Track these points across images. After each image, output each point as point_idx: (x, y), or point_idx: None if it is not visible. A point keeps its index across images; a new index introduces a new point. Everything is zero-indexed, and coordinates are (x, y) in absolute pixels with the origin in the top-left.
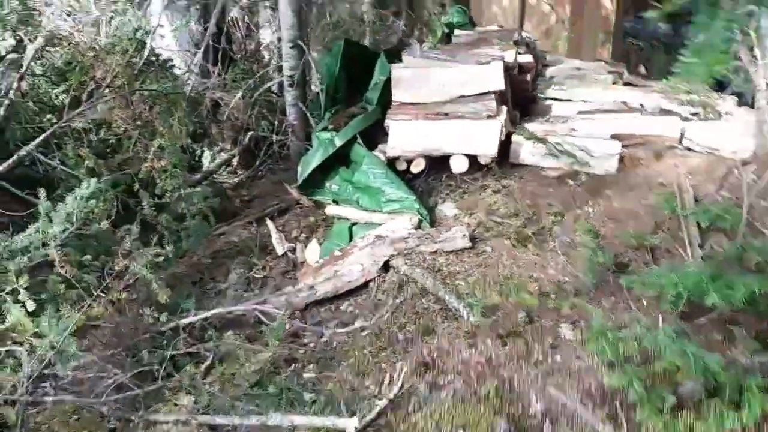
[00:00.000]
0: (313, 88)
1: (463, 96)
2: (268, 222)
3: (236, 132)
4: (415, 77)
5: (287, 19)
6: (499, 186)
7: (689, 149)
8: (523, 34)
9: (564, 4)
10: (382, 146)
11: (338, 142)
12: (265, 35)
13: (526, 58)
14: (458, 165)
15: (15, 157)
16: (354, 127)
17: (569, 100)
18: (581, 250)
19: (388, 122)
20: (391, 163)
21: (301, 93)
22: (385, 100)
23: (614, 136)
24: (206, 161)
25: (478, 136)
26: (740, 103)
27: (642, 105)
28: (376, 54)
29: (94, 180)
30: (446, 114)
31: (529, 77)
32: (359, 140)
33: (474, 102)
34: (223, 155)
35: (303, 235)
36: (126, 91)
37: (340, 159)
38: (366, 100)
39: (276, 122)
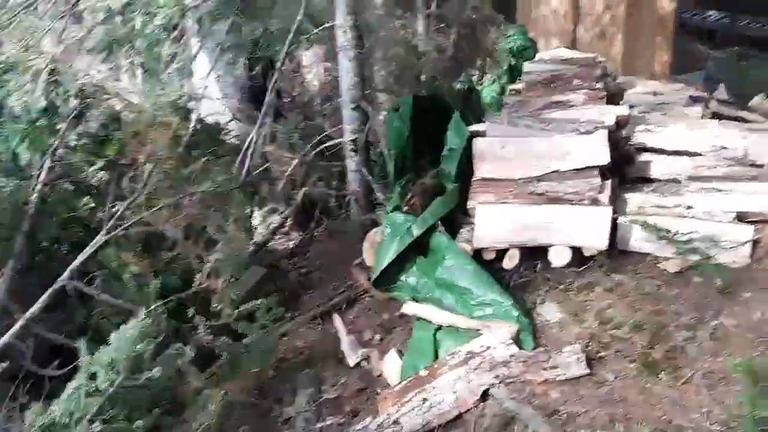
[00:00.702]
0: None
1: (560, 171)
2: (336, 320)
3: (290, 189)
4: (503, 149)
5: (348, 78)
6: (609, 283)
7: None
8: (599, 59)
9: (619, 4)
10: (466, 232)
11: (416, 232)
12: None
13: (622, 112)
14: (559, 257)
15: (50, 291)
16: (433, 213)
17: (663, 151)
18: (728, 385)
19: (472, 204)
20: (478, 252)
21: (364, 158)
22: (464, 171)
23: (741, 215)
24: (257, 223)
25: (584, 225)
26: None
27: (746, 151)
28: (448, 108)
29: (142, 315)
30: (541, 194)
31: (624, 132)
32: (440, 227)
33: (574, 179)
34: (276, 217)
35: (377, 336)
36: (173, 183)
37: (417, 245)
38: (441, 174)
39: (334, 181)
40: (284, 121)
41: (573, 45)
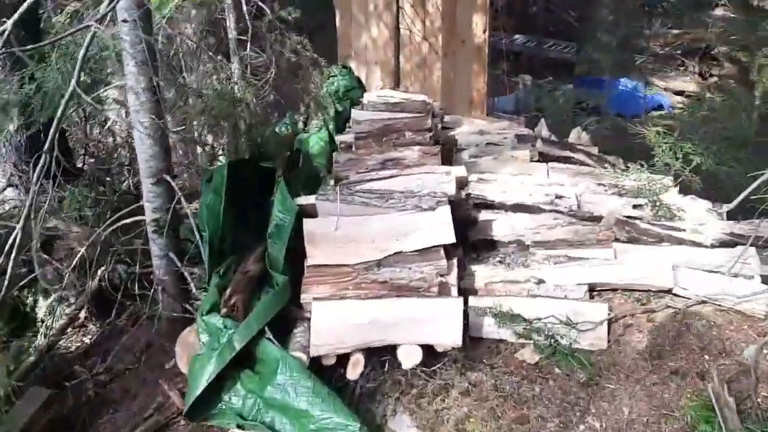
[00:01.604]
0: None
1: (402, 253)
2: None
3: (83, 272)
4: (336, 232)
5: (146, 148)
6: (466, 383)
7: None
8: (427, 100)
9: (436, 33)
10: (300, 333)
11: (238, 345)
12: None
13: (460, 173)
14: (409, 358)
15: None
16: (260, 318)
17: (503, 206)
18: None
19: (306, 298)
20: (316, 358)
21: (172, 241)
22: (294, 249)
23: (592, 286)
24: (42, 314)
25: (435, 320)
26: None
27: (580, 200)
28: (271, 172)
29: None
30: (384, 282)
31: (464, 194)
32: (268, 333)
33: (418, 262)
34: (65, 309)
35: None
36: None
37: (240, 355)
38: (269, 258)
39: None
40: (74, 189)
41: (396, 75)
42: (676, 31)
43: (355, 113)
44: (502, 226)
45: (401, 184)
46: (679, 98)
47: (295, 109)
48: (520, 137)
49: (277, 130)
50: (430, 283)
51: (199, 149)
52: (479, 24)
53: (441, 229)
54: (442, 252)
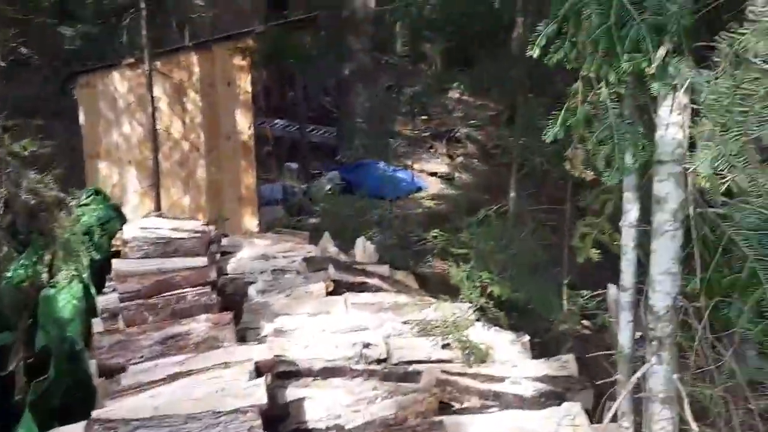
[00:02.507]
0: None
1: None
2: None
3: None
4: None
5: None
6: None
7: None
8: (200, 226)
9: (197, 130)
10: None
11: None
12: None
13: (263, 355)
14: None
15: None
16: None
17: (310, 374)
18: None
19: None
20: None
21: None
22: None
23: None
24: None
25: None
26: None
27: (390, 351)
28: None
29: None
30: None
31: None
32: None
33: None
34: None
35: None
36: None
37: None
38: None
39: None
40: None
41: (155, 175)
42: (423, 117)
43: (117, 264)
44: (317, 408)
45: (195, 394)
46: (433, 179)
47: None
48: (309, 261)
49: (11, 273)
50: None
51: None
52: (244, 119)
53: None
54: None
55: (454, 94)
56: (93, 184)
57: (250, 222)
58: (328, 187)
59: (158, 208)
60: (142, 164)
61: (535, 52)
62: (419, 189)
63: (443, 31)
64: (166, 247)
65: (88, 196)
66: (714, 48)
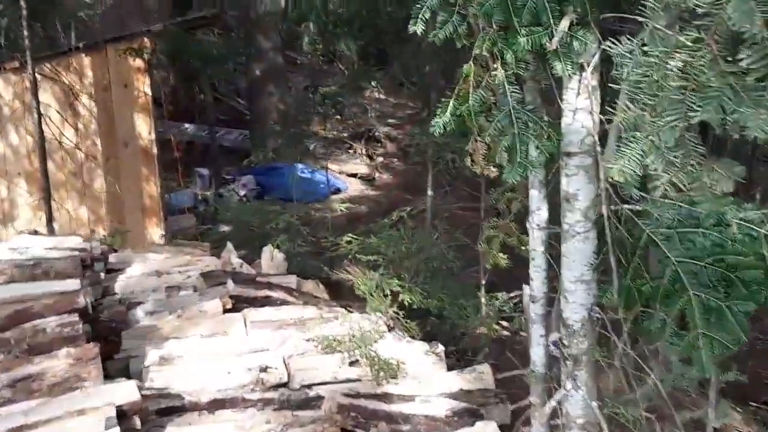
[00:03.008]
0: None
1: None
2: None
3: None
4: None
5: None
6: None
7: None
8: (80, 243)
9: (92, 138)
10: None
11: None
12: None
13: (131, 395)
14: None
15: None
16: None
17: (195, 408)
18: None
19: None
20: None
21: None
22: None
23: None
24: None
25: None
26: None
27: (291, 375)
28: None
29: None
30: None
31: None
32: None
33: None
34: None
35: None
36: None
37: None
38: None
39: None
40: None
41: (47, 186)
42: (340, 117)
43: None
44: None
45: None
46: (353, 179)
47: None
48: (206, 276)
49: None
50: None
51: None
52: (143, 124)
53: None
54: None
55: (371, 93)
56: None
57: (155, 233)
58: (242, 192)
59: (50, 221)
60: (32, 175)
61: (418, 28)
62: (338, 191)
63: (353, 27)
64: (33, 270)
65: None
66: (625, 20)
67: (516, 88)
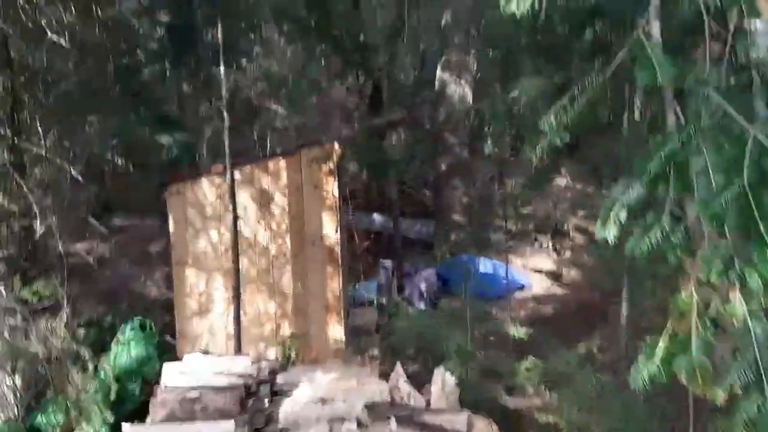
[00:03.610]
0: None
1: None
2: None
3: None
4: None
5: None
6: None
7: None
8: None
9: (283, 235)
10: None
11: None
12: None
13: None
14: None
15: None
16: None
17: None
18: None
19: None
20: None
21: None
22: None
23: None
24: None
25: None
26: None
27: None
28: None
29: None
30: None
31: None
32: None
33: None
34: None
35: None
36: None
37: None
38: None
39: None
40: None
41: (237, 283)
42: (526, 210)
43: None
44: None
45: None
46: (538, 276)
47: None
48: (371, 409)
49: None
50: None
51: None
52: (330, 223)
53: None
54: None
55: (560, 180)
56: (180, 291)
57: (336, 330)
58: (423, 286)
59: (237, 317)
60: (228, 272)
61: (609, 235)
62: (522, 287)
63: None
64: (193, 405)
65: (131, 329)
66: None
67: (765, 326)
